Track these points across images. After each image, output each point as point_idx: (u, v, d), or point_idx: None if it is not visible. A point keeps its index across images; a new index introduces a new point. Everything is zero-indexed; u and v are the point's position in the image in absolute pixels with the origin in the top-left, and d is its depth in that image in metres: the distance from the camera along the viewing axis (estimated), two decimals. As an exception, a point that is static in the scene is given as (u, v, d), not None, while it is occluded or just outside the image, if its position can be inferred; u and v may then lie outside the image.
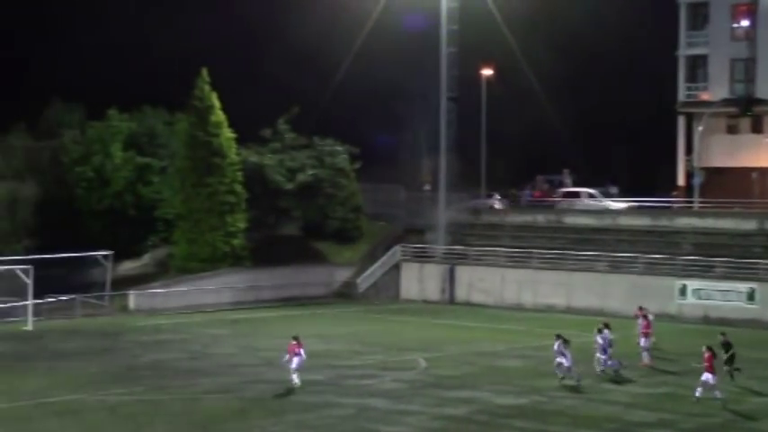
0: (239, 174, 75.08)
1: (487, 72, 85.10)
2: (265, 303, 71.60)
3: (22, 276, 58.32)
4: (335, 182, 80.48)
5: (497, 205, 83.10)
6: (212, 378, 42.07)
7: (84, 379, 41.75)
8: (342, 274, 78.96)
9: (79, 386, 39.99)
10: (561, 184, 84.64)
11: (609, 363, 42.75)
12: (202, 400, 37.60)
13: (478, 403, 37.57)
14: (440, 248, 77.85)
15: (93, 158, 75.78)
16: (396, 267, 77.99)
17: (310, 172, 78.71)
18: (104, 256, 68.37)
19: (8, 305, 61.82)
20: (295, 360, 40.20)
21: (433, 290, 76.19)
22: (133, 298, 68.09)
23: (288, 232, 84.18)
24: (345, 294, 76.94)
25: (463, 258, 75.88)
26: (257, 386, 40.53)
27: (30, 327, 57.02)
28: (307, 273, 76.60)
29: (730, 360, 41.07)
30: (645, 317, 46.89)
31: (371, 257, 79.67)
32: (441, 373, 43.28)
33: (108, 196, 75.29)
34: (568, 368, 40.68)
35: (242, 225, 75.15)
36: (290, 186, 77.93)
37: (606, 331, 43.05)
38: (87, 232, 74.62)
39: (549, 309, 68.50)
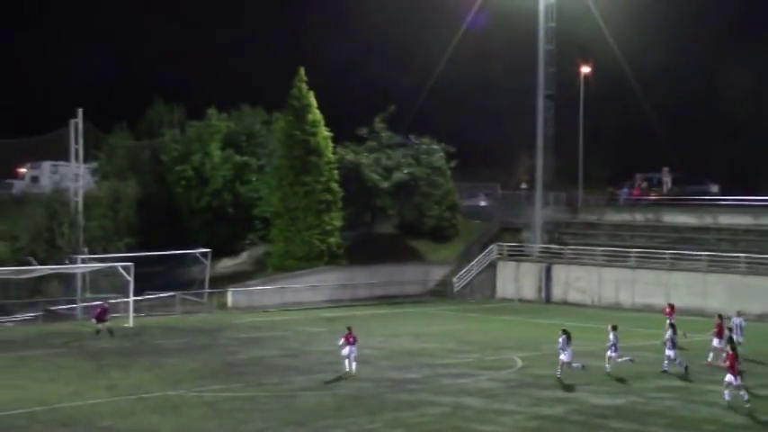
0: (336, 172, 75.45)
1: (585, 69, 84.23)
2: (361, 301, 71.91)
3: (124, 274, 59.32)
4: (432, 180, 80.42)
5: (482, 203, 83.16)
6: (308, 375, 42.31)
7: (182, 375, 42.33)
8: (437, 273, 78.93)
9: (178, 382, 40.56)
10: (660, 183, 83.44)
11: (619, 359, 42.87)
12: (299, 397, 37.82)
13: (574, 403, 37.18)
14: (536, 247, 77.38)
15: (193, 157, 76.78)
16: (491, 266, 77.70)
17: (406, 170, 78.76)
18: (203, 254, 69.26)
19: (110, 302, 63.05)
20: (346, 348, 42.17)
21: (529, 289, 75.75)
22: (231, 295, 68.83)
23: (384, 230, 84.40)
24: (441, 293, 76.88)
25: (560, 257, 75.28)
26: (353, 383, 40.65)
27: (131, 323, 57.97)
28: (402, 271, 76.71)
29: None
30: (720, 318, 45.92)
31: (467, 256, 79.49)
32: (537, 373, 42.94)
33: (207, 195, 76.22)
34: (568, 363, 41.17)
35: (338, 223, 75.54)
36: (386, 185, 78.09)
37: (612, 333, 42.86)
38: (187, 230, 75.76)
39: (648, 308, 67.55)
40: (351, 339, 42.34)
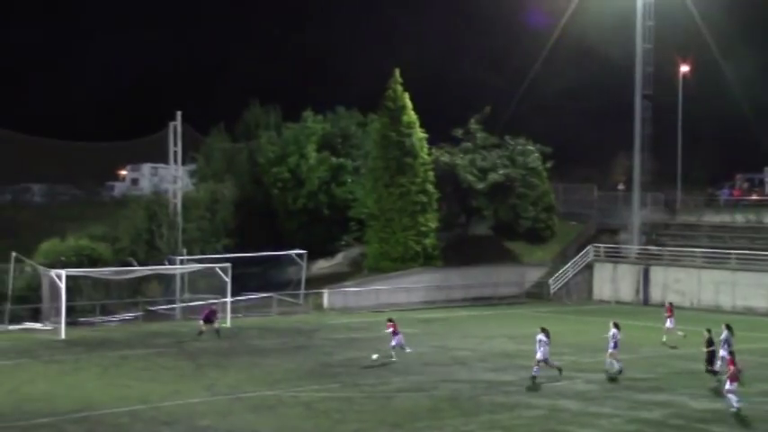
0: (431, 173, 75.42)
1: (684, 68, 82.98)
2: (456, 303, 71.80)
3: (221, 275, 60.00)
4: (527, 181, 79.92)
5: None
6: (404, 376, 42.35)
7: (279, 375, 42.67)
8: (533, 274, 78.48)
9: (275, 382, 40.90)
10: (762, 183, 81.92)
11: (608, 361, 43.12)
12: (395, 399, 37.88)
13: (674, 407, 36.66)
14: (634, 248, 76.52)
15: (289, 159, 77.35)
16: (588, 268, 77.02)
17: (502, 171, 78.39)
18: (299, 255, 69.78)
19: (208, 302, 63.84)
20: (394, 338, 45.68)
21: (626, 291, 74.93)
22: (327, 296, 69.22)
23: (479, 232, 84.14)
24: (537, 294, 76.43)
25: (658, 259, 74.31)
26: (449, 385, 40.61)
27: (228, 324, 58.59)
28: (498, 272, 76.41)
29: (709, 360, 41.10)
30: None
31: (563, 257, 78.90)
32: (634, 375, 42.43)
33: (303, 196, 76.72)
34: (544, 360, 41.23)
35: (433, 225, 75.50)
36: (481, 186, 77.80)
37: (614, 330, 43.31)
38: (283, 232, 76.42)
39: (749, 311, 66.36)
40: (394, 329, 45.66)
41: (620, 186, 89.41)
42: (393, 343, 45.87)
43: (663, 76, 79.51)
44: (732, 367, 35.78)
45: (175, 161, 67.75)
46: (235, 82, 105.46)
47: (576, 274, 76.86)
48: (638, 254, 75.95)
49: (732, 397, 35.39)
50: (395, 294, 70.23)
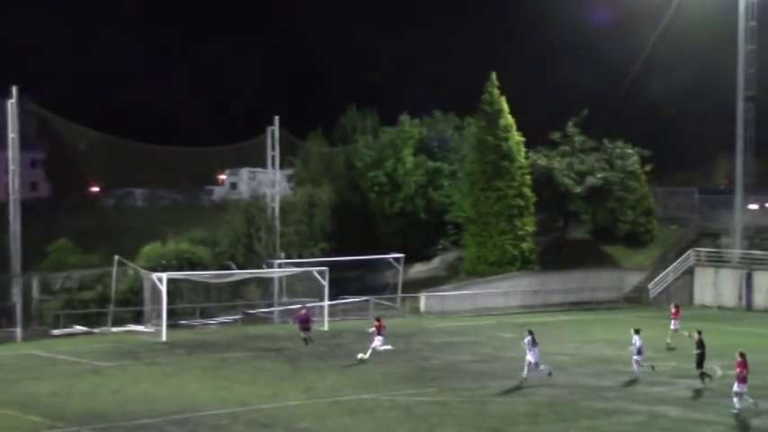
0: (528, 177, 74.99)
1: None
2: (554, 307, 71.26)
3: (319, 278, 60.37)
4: (626, 185, 78.89)
5: None
6: (502, 381, 42.13)
7: (376, 378, 42.77)
8: (632, 279, 77.51)
9: (372, 385, 41.00)
10: None
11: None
12: (492, 403, 37.72)
13: (779, 415, 35.91)
14: (736, 252, 75.08)
15: (386, 163, 77.55)
16: (689, 272, 75.82)
17: (600, 175, 77.51)
18: (396, 259, 69.89)
19: (302, 306, 64.29)
20: (376, 339, 46.77)
21: (728, 296, 73.61)
22: (424, 300, 69.19)
23: (577, 236, 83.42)
24: (636, 299, 75.47)
25: (762, 263, 72.86)
26: (547, 390, 40.30)
27: (326, 327, 58.91)
28: (596, 277, 75.61)
29: (699, 362, 40.92)
30: None
31: (663, 262, 77.80)
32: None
33: (399, 200, 76.83)
34: (535, 363, 41.51)
35: (530, 228, 75.05)
36: (579, 190, 77.06)
37: (636, 337, 42.91)
38: (380, 235, 76.60)
39: None
40: (379, 328, 46.69)
41: (722, 189, 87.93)
42: (375, 343, 46.85)
43: (766, 78, 77.93)
44: (739, 369, 35.66)
45: (273, 165, 68.40)
46: (332, 86, 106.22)
47: (676, 279, 75.71)
48: (741, 258, 74.54)
49: (736, 400, 35.54)
50: (492, 298, 69.93)
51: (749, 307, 72.04)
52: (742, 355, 36.03)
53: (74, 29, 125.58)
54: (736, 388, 35.67)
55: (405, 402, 37.75)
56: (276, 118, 67.17)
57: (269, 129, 67.39)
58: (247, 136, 71.41)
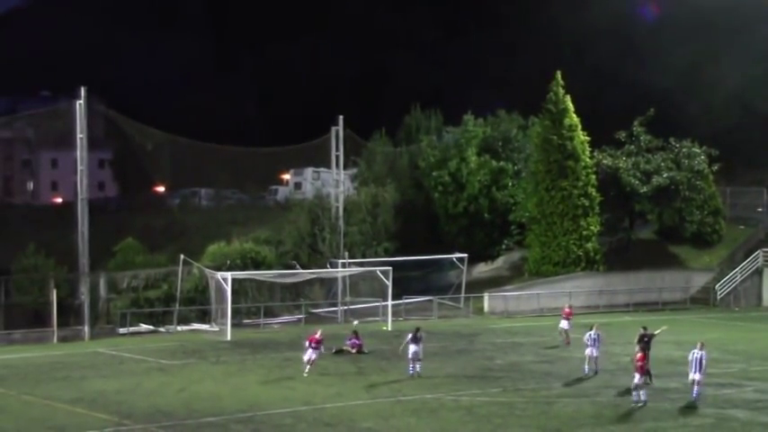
0: (593, 177, 74.45)
1: None
2: (619, 308, 70.71)
3: (382, 278, 60.44)
4: (693, 185, 77.98)
5: None
6: (567, 382, 41.86)
7: (440, 379, 42.69)
8: (699, 280, 76.65)
9: (435, 386, 40.93)
10: None
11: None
12: (556, 404, 37.50)
13: None
14: (807, 253, 74.01)
15: (450, 163, 77.39)
16: (757, 273, 74.86)
17: (666, 175, 76.67)
18: (460, 259, 69.76)
19: (370, 305, 64.42)
20: (313, 352, 43.34)
21: (798, 297, 72.55)
22: (488, 300, 69.03)
23: (642, 236, 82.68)
24: (703, 300, 74.64)
25: (831, 264, 71.72)
26: (612, 391, 39.98)
27: (389, 327, 58.94)
28: (662, 277, 74.91)
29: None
30: None
31: (731, 262, 76.89)
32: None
33: (463, 200, 76.64)
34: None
35: (595, 228, 74.47)
36: (644, 189, 76.30)
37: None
38: (443, 235, 76.51)
39: None
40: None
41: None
42: (308, 356, 42.92)
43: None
44: (640, 363, 36.03)
45: (337, 165, 68.63)
46: (396, 86, 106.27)
47: (744, 280, 74.78)
48: (811, 259, 73.47)
49: (635, 393, 36.05)
50: (556, 299, 69.45)
51: (819, 308, 71.02)
52: (644, 350, 35.99)
53: (143, 30, 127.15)
54: (636, 380, 36.17)
55: (468, 403, 37.65)
56: (340, 118, 67.39)
57: (333, 129, 67.63)
58: (312, 136, 71.77)
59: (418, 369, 42.47)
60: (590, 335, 43.38)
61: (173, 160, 77.89)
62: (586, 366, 43.39)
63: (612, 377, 42.97)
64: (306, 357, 43.12)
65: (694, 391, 37.42)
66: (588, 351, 43.33)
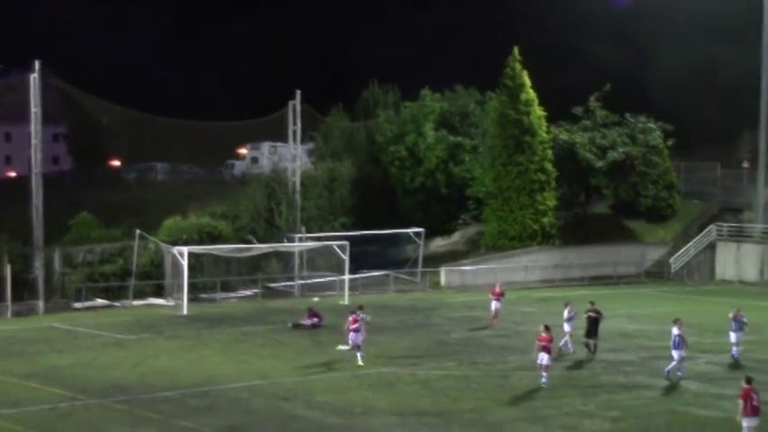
0: (549, 152, 74.80)
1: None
2: (574, 282, 71.21)
3: (339, 253, 60.47)
4: (648, 159, 78.55)
5: None
6: (522, 355, 42.14)
7: (396, 353, 42.86)
8: (653, 254, 77.39)
9: (392, 359, 41.09)
10: None
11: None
12: (512, 377, 37.77)
13: (800, 390, 35.84)
14: (758, 227, 74.81)
15: (407, 138, 77.43)
16: (710, 247, 75.66)
17: (622, 150, 77.18)
18: (417, 234, 69.94)
19: (326, 279, 64.48)
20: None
21: (750, 271, 73.48)
22: (444, 275, 69.22)
23: (598, 211, 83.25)
24: (657, 274, 75.37)
25: (784, 238, 72.62)
26: (567, 364, 40.34)
27: (345, 301, 59.02)
28: (617, 251, 75.54)
29: (592, 332, 41.16)
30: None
31: (685, 237, 77.64)
32: (758, 357, 41.60)
33: (420, 175, 76.75)
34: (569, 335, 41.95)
35: (552, 203, 74.91)
36: (600, 164, 76.76)
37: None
38: (400, 210, 76.64)
39: None
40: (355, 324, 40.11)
41: (745, 164, 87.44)
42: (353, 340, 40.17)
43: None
44: (544, 342, 35.77)
45: (294, 140, 68.41)
46: (354, 62, 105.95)
47: (697, 254, 75.56)
48: (763, 233, 74.26)
49: (544, 374, 35.91)
50: (512, 273, 69.86)
51: (772, 282, 71.91)
52: (547, 327, 36.11)
53: (101, 3, 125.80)
54: (539, 360, 35.92)
55: (424, 376, 37.85)
56: (298, 92, 67.15)
57: (290, 103, 67.36)
58: (269, 110, 71.45)
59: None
60: (567, 312, 43.05)
61: (129, 134, 77.27)
62: (571, 344, 42.86)
63: (566, 351, 43.20)
64: (350, 342, 40.30)
65: (673, 367, 37.38)
66: (567, 328, 43.08)
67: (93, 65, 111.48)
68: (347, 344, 40.39)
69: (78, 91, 68.62)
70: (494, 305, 51.06)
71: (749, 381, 28.04)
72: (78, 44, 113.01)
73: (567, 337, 42.84)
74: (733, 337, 41.41)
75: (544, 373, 35.88)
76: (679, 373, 37.26)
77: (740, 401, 27.75)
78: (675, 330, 37.53)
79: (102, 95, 69.58)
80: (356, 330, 39.98)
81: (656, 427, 30.77)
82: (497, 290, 51.77)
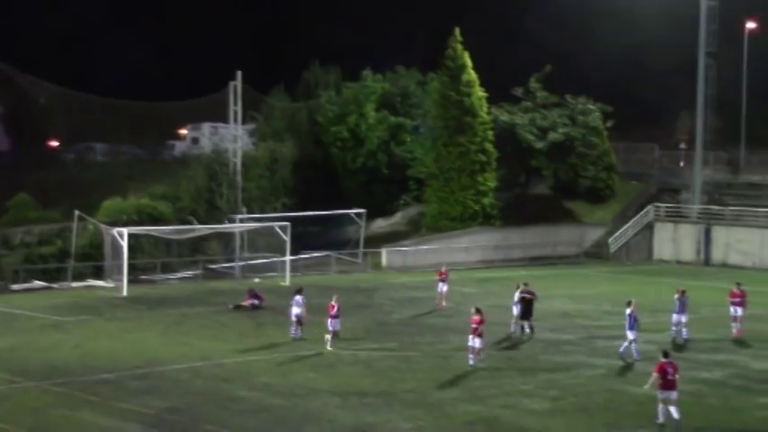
0: (490, 133, 75.14)
1: (751, 25, 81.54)
2: (515, 262, 71.68)
3: (280, 233, 60.31)
4: (587, 140, 79.24)
5: None
6: (463, 336, 42.15)
7: (339, 333, 42.80)
8: (592, 234, 78.12)
9: (334, 340, 41.07)
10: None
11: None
12: (453, 358, 37.94)
13: (734, 367, 36.45)
14: (695, 208, 75.77)
15: (348, 119, 77.37)
16: (648, 227, 76.51)
17: (561, 131, 77.78)
18: (358, 215, 69.97)
19: (268, 260, 64.32)
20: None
21: (687, 250, 74.40)
22: (385, 255, 69.37)
23: (538, 191, 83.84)
24: (596, 254, 76.13)
25: (720, 218, 73.61)
26: (507, 344, 40.64)
27: (287, 282, 58.91)
28: (557, 232, 76.18)
29: (526, 314, 41.79)
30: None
31: (623, 217, 78.41)
32: (694, 336, 42.11)
33: (362, 155, 76.76)
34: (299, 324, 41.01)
35: (492, 184, 75.30)
36: (540, 145, 77.31)
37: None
38: (342, 191, 76.62)
39: (813, 272, 65.52)
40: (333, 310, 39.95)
41: (682, 145, 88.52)
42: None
43: (729, 34, 78.21)
44: (476, 325, 35.77)
45: (235, 120, 68.07)
46: (295, 42, 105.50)
47: (636, 234, 76.37)
48: (700, 213, 75.24)
49: (474, 357, 35.84)
50: (453, 253, 70.14)
51: (707, 262, 72.85)
52: (478, 310, 36.22)
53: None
54: (471, 342, 35.89)
55: (366, 357, 37.93)
56: (239, 73, 66.75)
57: (231, 83, 66.96)
58: (210, 91, 71.00)
59: (300, 333, 41.12)
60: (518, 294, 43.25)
61: (67, 114, 76.41)
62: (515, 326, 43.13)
63: (506, 331, 43.50)
64: (329, 328, 39.69)
65: (626, 347, 37.36)
66: (515, 311, 43.19)
67: (30, 43, 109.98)
68: (327, 331, 39.84)
69: (14, 69, 67.71)
70: (440, 287, 51.04)
71: (666, 354, 28.48)
72: (13, 21, 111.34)
73: (513, 321, 43.11)
74: (675, 317, 41.80)
75: (471, 355, 35.93)
76: (634, 354, 37.37)
77: (654, 374, 28.13)
78: (628, 311, 37.67)
79: (39, 75, 68.70)
80: (335, 317, 39.78)
81: (594, 405, 31.10)
82: (443, 271, 51.61)
